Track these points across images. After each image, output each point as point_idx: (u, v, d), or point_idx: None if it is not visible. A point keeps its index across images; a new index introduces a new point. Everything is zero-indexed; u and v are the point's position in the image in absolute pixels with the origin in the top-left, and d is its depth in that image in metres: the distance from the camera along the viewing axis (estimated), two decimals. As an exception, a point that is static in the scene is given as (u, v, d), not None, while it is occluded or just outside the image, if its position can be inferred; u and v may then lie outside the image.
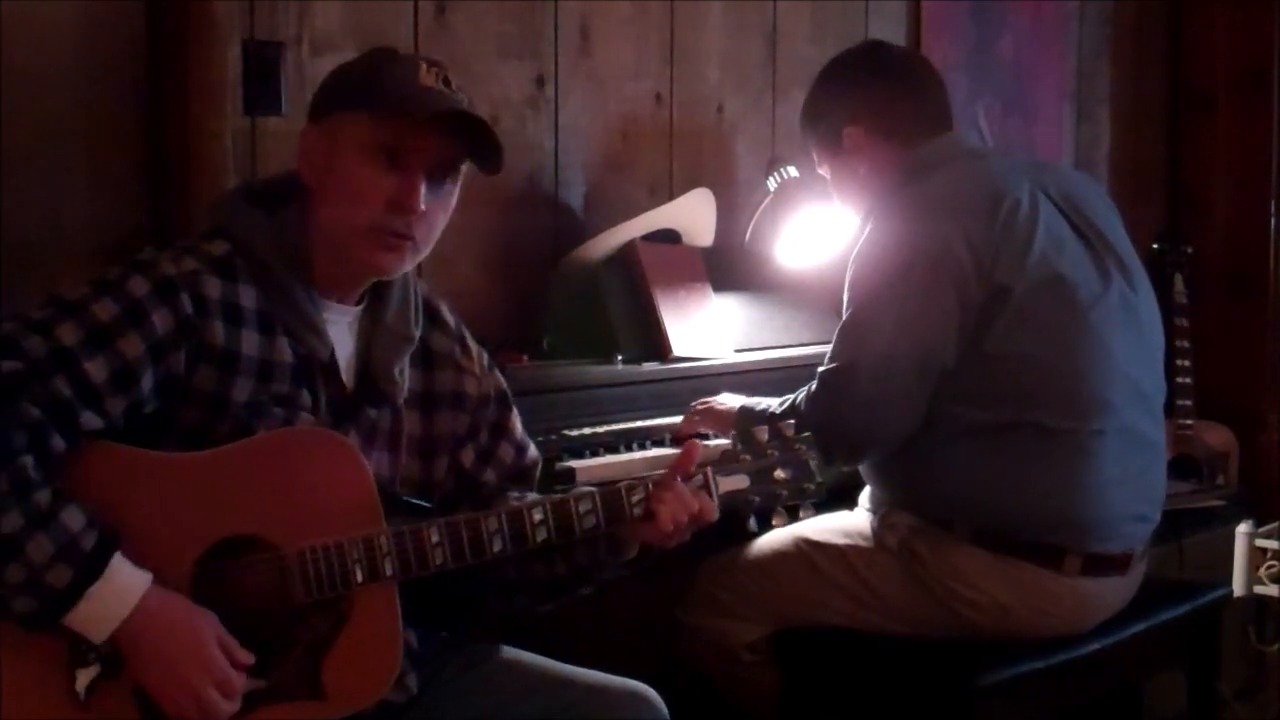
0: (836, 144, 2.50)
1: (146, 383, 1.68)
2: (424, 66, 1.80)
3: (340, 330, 1.85)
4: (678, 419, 2.60)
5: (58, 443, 1.62)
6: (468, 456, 1.97)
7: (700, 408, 2.57)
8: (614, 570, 1.95)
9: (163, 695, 1.64)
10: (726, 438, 2.46)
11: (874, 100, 2.47)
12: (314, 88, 2.42)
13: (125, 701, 1.66)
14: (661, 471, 1.88)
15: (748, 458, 1.89)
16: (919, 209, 2.35)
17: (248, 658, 1.68)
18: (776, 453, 1.90)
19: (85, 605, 1.59)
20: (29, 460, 1.59)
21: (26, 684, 1.63)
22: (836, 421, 2.30)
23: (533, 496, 1.98)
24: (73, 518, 1.60)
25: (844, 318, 2.36)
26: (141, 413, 1.70)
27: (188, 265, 1.73)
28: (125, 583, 1.62)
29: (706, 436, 2.53)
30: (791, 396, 2.40)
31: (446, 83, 1.80)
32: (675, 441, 2.55)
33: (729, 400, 2.56)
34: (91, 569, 1.59)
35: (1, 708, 1.62)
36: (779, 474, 1.90)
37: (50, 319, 1.65)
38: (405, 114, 1.75)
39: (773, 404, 2.44)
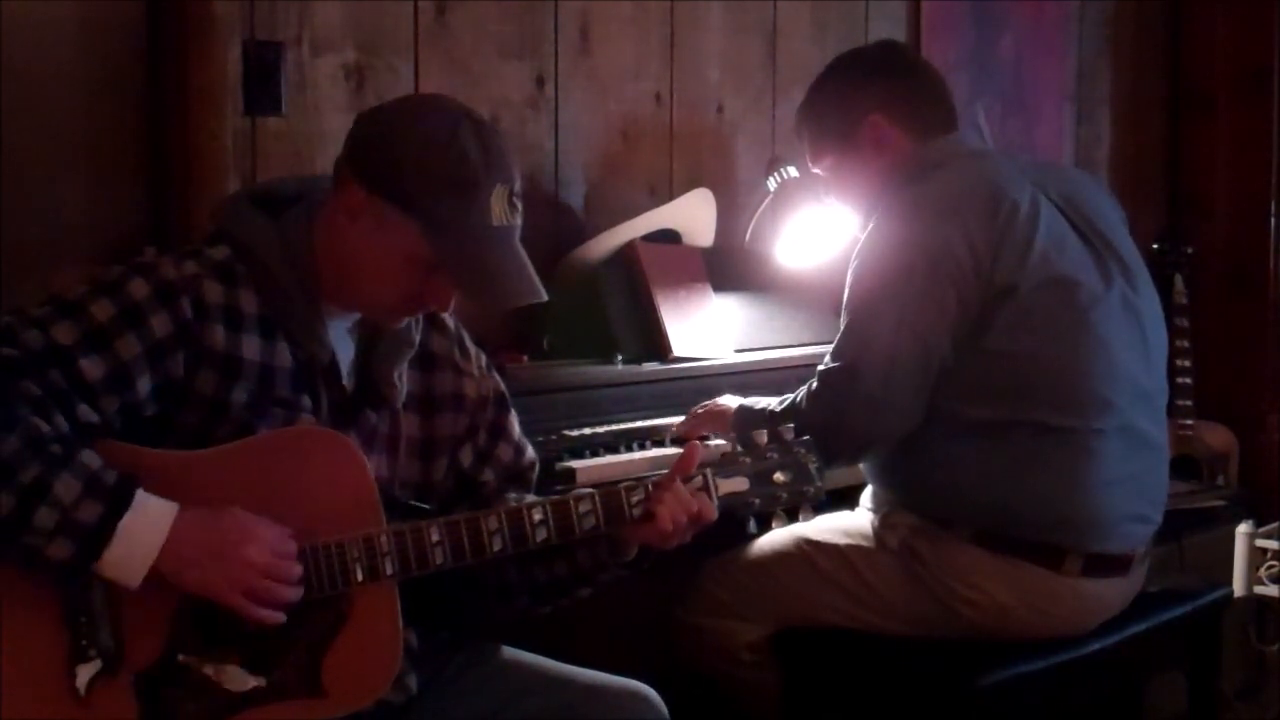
0: (852, 135, 2.48)
1: (143, 385, 1.68)
2: (496, 191, 1.74)
3: (340, 334, 1.85)
4: (678, 419, 2.60)
5: (60, 422, 1.62)
6: (466, 456, 1.98)
7: (700, 410, 2.57)
8: (614, 572, 1.94)
9: (229, 588, 1.64)
10: (725, 439, 2.46)
11: (897, 92, 2.47)
12: (314, 88, 2.48)
13: (125, 698, 1.66)
14: (662, 472, 1.88)
15: (747, 460, 1.89)
16: (920, 209, 2.35)
17: (284, 529, 1.68)
18: (776, 455, 1.90)
19: (119, 543, 1.59)
20: (38, 420, 1.59)
21: (27, 680, 1.63)
22: (839, 421, 2.30)
23: (532, 498, 1.98)
24: (90, 458, 1.61)
25: (845, 317, 2.36)
26: (141, 415, 1.70)
27: (188, 269, 1.73)
28: (154, 512, 1.62)
29: (707, 438, 2.53)
30: (791, 396, 2.40)
31: (512, 201, 1.77)
32: (675, 442, 2.54)
33: (729, 401, 2.56)
34: (120, 500, 1.59)
35: (2, 704, 1.62)
36: (778, 477, 1.90)
37: (48, 317, 1.66)
38: (477, 298, 1.79)
39: (772, 404, 2.44)
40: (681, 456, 1.87)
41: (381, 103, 1.88)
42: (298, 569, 1.68)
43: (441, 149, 1.72)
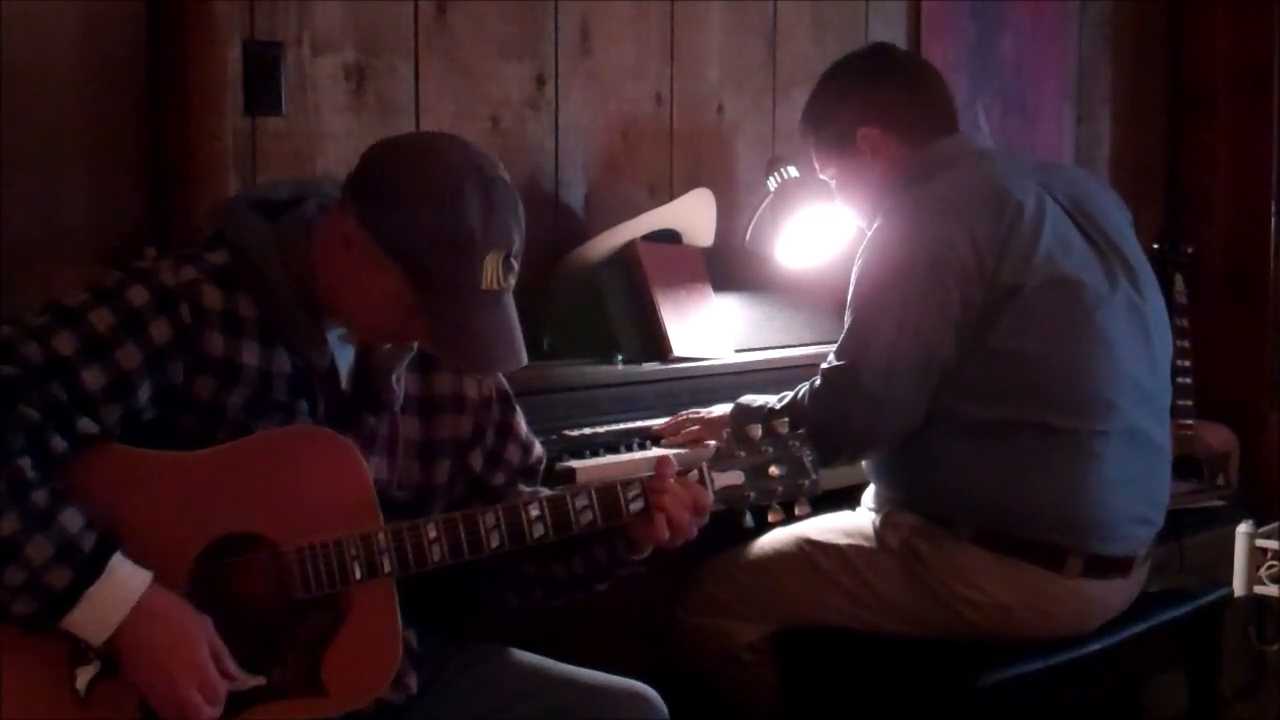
0: (848, 146, 2.49)
1: (143, 393, 1.68)
2: (491, 255, 1.71)
3: (337, 338, 1.84)
4: (678, 419, 2.60)
5: (58, 443, 1.62)
6: (476, 460, 1.97)
7: (695, 427, 2.56)
8: (631, 568, 1.94)
9: (150, 692, 1.65)
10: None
11: (888, 100, 2.47)
12: (314, 88, 2.47)
13: (125, 699, 1.66)
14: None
15: (742, 454, 1.90)
16: (924, 209, 2.35)
17: (234, 669, 1.68)
18: (771, 449, 1.90)
19: (85, 606, 1.60)
20: (26, 462, 1.59)
21: (27, 682, 1.64)
22: (840, 419, 2.31)
23: (544, 492, 1.98)
24: (71, 519, 1.60)
25: (849, 316, 2.36)
26: (139, 421, 1.70)
27: (187, 275, 1.73)
28: (125, 582, 1.62)
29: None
30: (792, 393, 2.41)
31: (509, 263, 1.74)
32: (655, 441, 2.53)
33: (725, 410, 2.55)
34: (90, 570, 1.60)
35: (2, 706, 1.62)
36: (774, 470, 1.90)
37: (47, 327, 1.65)
38: (450, 358, 1.81)
39: (771, 401, 2.44)
40: (655, 473, 1.86)
41: (397, 136, 1.86)
42: (215, 713, 1.66)
43: (441, 207, 1.70)
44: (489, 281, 1.73)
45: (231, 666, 1.68)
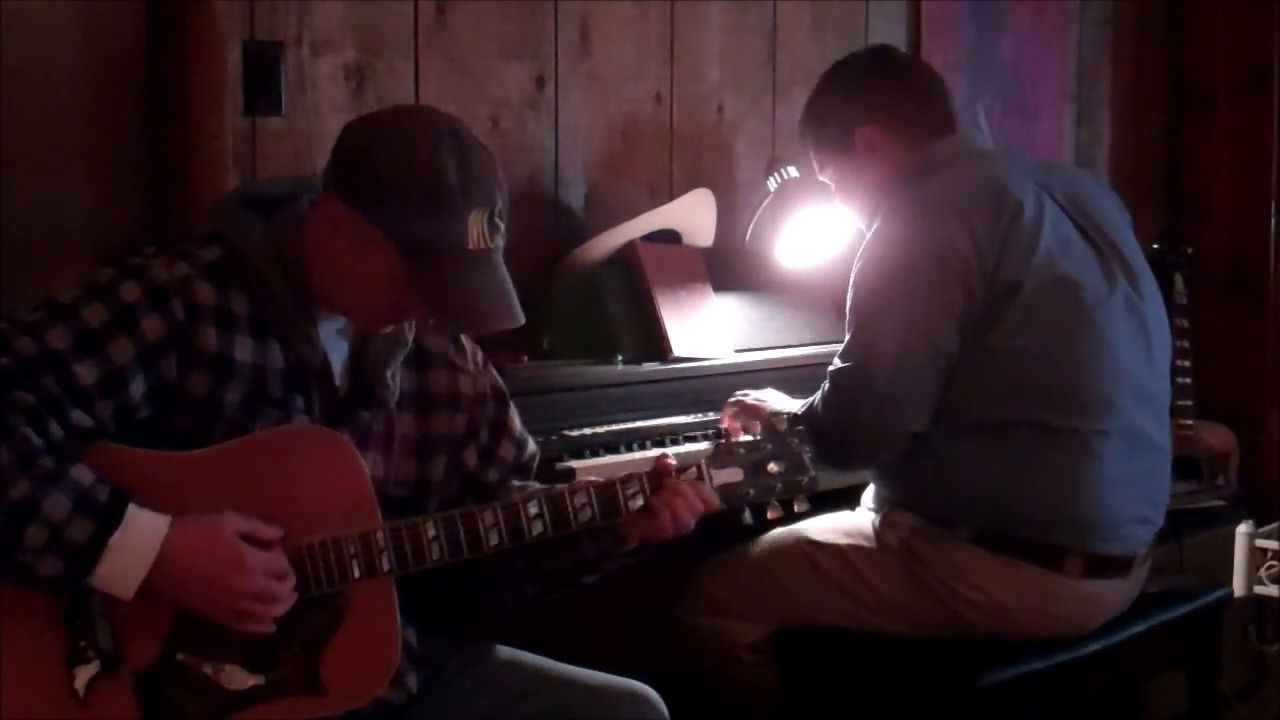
0: (847, 146, 2.49)
1: (137, 388, 1.68)
2: (475, 214, 1.72)
3: (332, 334, 1.84)
4: (678, 419, 2.61)
5: (55, 429, 1.62)
6: (470, 456, 1.98)
7: (738, 401, 2.55)
8: (619, 561, 1.95)
9: (219, 611, 1.66)
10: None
11: (887, 100, 2.47)
12: (314, 88, 2.48)
13: (124, 698, 1.67)
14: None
15: (741, 450, 1.90)
16: (923, 208, 2.35)
17: (274, 532, 1.69)
18: (770, 446, 1.91)
19: (110, 558, 1.59)
20: (29, 431, 1.59)
21: (26, 682, 1.64)
22: (851, 420, 2.31)
23: (535, 486, 1.99)
24: (82, 473, 1.61)
25: (852, 318, 2.36)
26: (135, 418, 1.70)
27: (180, 270, 1.73)
28: (145, 529, 1.62)
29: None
30: (808, 400, 2.40)
31: (494, 222, 1.75)
32: (715, 435, 2.53)
33: (769, 397, 2.54)
34: (110, 518, 1.60)
35: (1, 706, 1.62)
36: (772, 467, 1.91)
37: (41, 322, 1.66)
38: (446, 322, 1.82)
39: (793, 407, 2.43)
40: (654, 470, 1.87)
41: (371, 112, 1.88)
42: (289, 585, 1.68)
43: (419, 170, 1.71)
44: (476, 241, 1.73)
45: (269, 531, 1.68)
